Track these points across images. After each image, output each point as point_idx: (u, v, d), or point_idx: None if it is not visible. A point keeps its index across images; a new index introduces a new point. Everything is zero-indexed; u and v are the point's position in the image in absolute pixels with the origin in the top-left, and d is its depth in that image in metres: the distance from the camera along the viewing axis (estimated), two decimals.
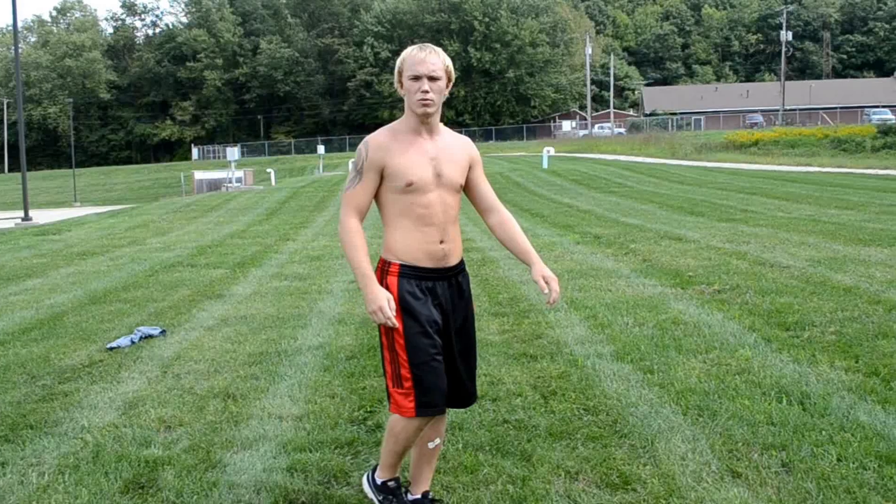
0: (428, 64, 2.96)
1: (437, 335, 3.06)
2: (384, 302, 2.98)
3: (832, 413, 4.15)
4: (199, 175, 45.79)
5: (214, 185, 41.59)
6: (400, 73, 3.03)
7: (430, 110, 2.99)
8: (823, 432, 3.91)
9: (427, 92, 2.96)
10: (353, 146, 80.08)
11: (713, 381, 4.76)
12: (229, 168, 41.16)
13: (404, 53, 3.03)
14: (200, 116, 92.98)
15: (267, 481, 3.67)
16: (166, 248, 13.52)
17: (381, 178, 3.04)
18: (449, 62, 3.04)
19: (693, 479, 3.50)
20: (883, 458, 3.58)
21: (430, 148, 3.07)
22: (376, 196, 3.09)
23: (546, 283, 3.15)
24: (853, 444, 3.74)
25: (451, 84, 3.08)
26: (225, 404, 4.81)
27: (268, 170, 45.24)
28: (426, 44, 3.04)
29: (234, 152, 41.91)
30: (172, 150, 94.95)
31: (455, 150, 3.15)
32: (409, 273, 3.06)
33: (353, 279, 9.25)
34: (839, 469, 3.51)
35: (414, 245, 3.05)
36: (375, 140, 3.05)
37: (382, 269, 3.09)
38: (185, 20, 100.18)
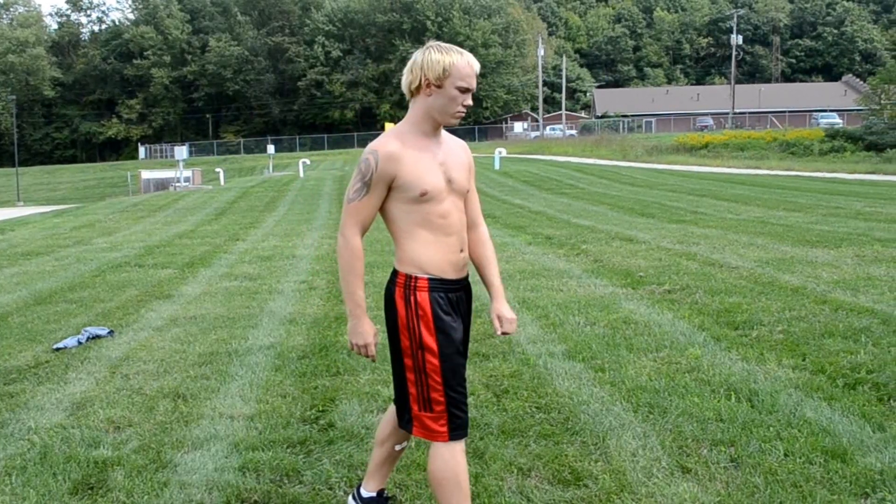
0: (475, 80, 2.85)
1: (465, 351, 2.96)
2: (371, 339, 2.88)
3: (780, 410, 4.27)
4: (147, 174, 45.08)
5: (162, 185, 41.00)
6: (441, 77, 2.77)
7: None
8: (771, 428, 4.02)
9: (466, 106, 2.86)
10: (304, 146, 79.69)
11: (663, 379, 4.86)
12: (177, 167, 40.59)
13: (451, 59, 2.78)
14: (147, 115, 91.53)
15: (219, 480, 3.67)
16: (113, 248, 13.32)
17: (389, 189, 2.82)
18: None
19: (644, 475, 3.57)
20: (829, 453, 3.70)
21: (439, 153, 2.89)
22: (382, 206, 2.88)
23: (500, 323, 3.01)
24: (800, 440, 3.86)
25: None
26: (175, 404, 4.78)
27: (217, 169, 44.69)
28: (468, 52, 2.86)
29: (181, 151, 41.30)
30: (119, 149, 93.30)
31: (458, 153, 2.99)
32: (438, 287, 2.86)
33: (303, 279, 9.24)
34: (786, 464, 3.62)
35: (439, 256, 2.86)
36: (385, 149, 2.78)
37: (406, 285, 2.86)
38: (131, 16, 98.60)
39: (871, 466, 3.55)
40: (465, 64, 2.79)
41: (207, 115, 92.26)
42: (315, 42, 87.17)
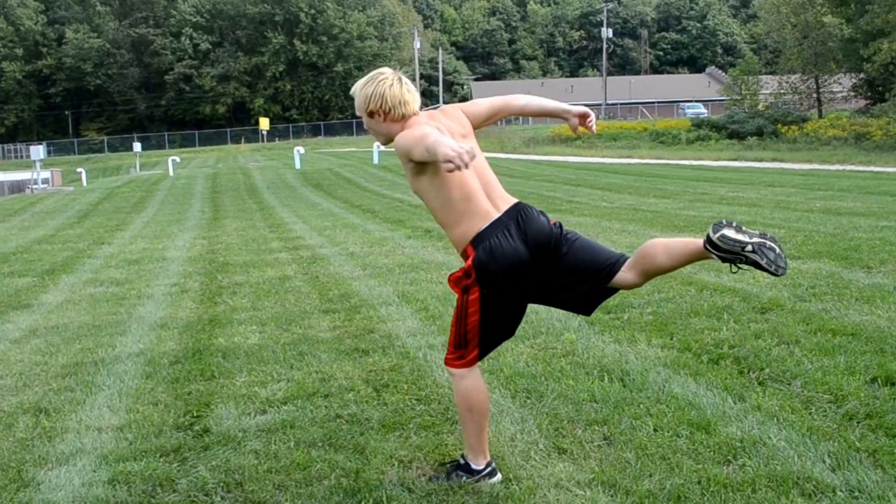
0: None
1: None
2: None
3: (649, 387, 4.48)
4: None
5: (17, 188, 38.89)
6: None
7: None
8: (641, 406, 4.22)
9: None
10: (173, 143, 77.39)
11: (540, 365, 5.01)
12: (34, 168, 38.62)
13: None
14: None
15: (87, 496, 3.56)
16: None
17: None
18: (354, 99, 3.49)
19: (522, 459, 3.69)
20: (694, 426, 3.91)
21: None
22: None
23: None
24: (668, 415, 4.06)
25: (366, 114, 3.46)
26: (37, 419, 4.59)
27: (78, 169, 42.78)
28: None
29: (38, 151, 39.22)
30: None
31: None
32: None
33: (174, 282, 9.02)
34: (655, 438, 3.81)
35: None
36: None
37: None
38: None
39: (732, 435, 3.78)
40: None
41: (67, 112, 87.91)
42: (182, 34, 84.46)
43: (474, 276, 3.26)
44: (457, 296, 3.37)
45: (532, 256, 3.29)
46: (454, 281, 3.36)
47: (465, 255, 3.35)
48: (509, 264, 3.24)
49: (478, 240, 3.27)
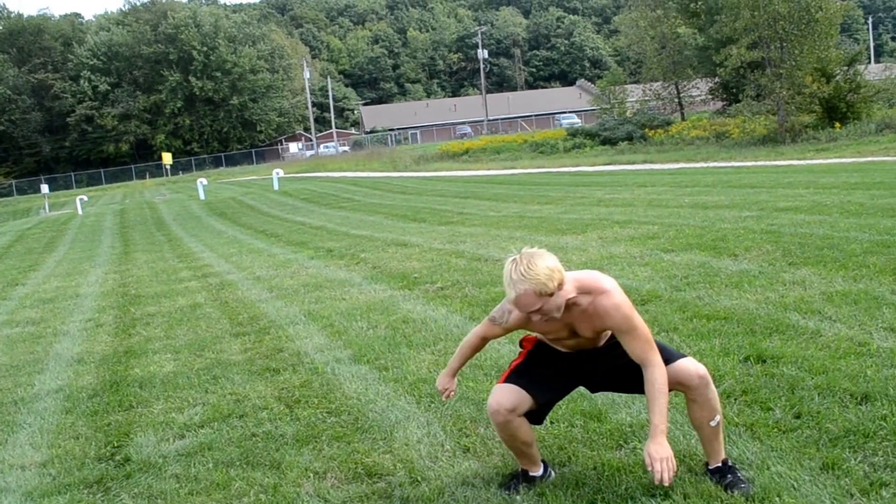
0: (522, 305, 3.01)
1: None
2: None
3: None
4: None
5: None
6: None
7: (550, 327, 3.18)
8: None
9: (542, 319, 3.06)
10: (80, 182, 74.52)
11: (441, 369, 5.00)
12: None
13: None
14: None
15: None
16: None
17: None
18: (542, 283, 2.95)
19: (430, 460, 3.69)
20: (587, 415, 3.97)
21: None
22: None
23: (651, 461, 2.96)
24: (562, 407, 4.09)
25: (561, 286, 3.01)
26: None
27: None
28: (517, 269, 3.00)
29: None
30: None
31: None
32: None
33: (89, 318, 8.67)
34: (552, 430, 3.85)
35: None
36: None
37: None
38: None
39: (622, 421, 3.86)
40: (508, 293, 3.06)
41: None
42: (81, 77, 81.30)
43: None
44: None
45: None
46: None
47: None
48: None
49: None
